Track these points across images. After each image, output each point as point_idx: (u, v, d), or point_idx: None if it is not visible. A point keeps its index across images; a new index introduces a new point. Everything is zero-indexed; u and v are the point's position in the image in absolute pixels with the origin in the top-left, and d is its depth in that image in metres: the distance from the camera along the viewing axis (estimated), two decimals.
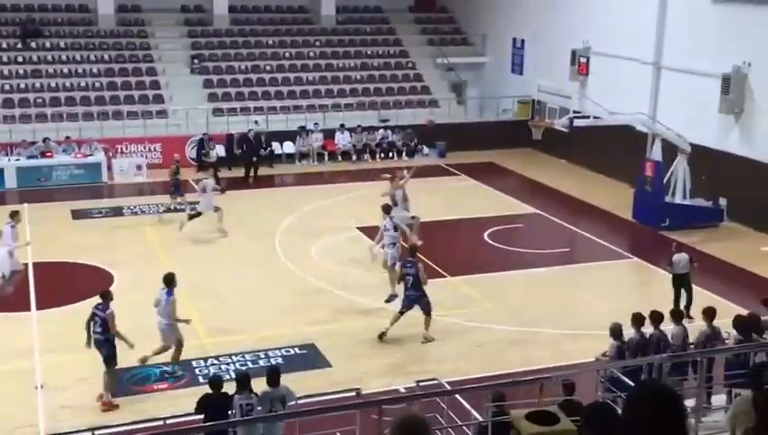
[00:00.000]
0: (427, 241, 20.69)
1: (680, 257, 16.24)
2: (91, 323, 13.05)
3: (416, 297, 15.04)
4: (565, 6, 28.95)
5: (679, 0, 24.11)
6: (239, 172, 26.90)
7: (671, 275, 16.35)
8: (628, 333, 12.09)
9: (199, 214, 20.69)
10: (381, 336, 15.06)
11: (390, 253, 16.86)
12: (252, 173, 26.87)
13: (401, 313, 15.12)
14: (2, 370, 14.06)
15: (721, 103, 22.21)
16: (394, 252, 16.81)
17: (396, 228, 16.92)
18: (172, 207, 22.25)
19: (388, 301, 16.14)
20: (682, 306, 15.36)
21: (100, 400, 12.95)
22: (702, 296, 16.63)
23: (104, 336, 12.96)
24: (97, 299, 13.25)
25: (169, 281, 13.68)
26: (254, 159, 27.02)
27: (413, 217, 18.79)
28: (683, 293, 16.12)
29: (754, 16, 21.58)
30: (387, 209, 17.26)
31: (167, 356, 13.88)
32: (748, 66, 21.73)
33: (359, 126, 29.72)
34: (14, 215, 18.18)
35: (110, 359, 13.00)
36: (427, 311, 15.09)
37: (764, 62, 21.35)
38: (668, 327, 12.24)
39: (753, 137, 21.97)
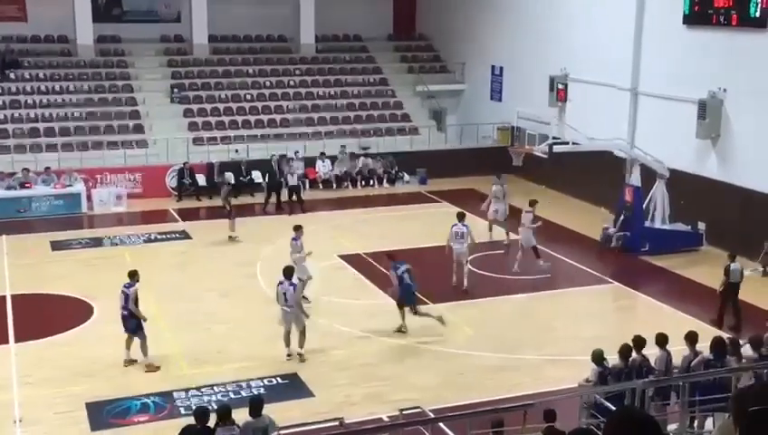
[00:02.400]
0: None
1: (736, 267, 16.98)
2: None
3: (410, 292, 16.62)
4: (542, 34, 29.26)
5: (654, 27, 24.45)
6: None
7: (723, 286, 16.94)
8: (612, 358, 12.10)
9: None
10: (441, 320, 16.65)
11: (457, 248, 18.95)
12: (278, 199, 26.51)
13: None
14: None
15: (698, 128, 22.45)
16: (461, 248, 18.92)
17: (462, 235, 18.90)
18: (152, 238, 22.15)
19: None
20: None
21: (149, 368, 14.78)
22: (683, 320, 16.73)
23: (128, 311, 14.86)
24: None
25: (290, 273, 15.43)
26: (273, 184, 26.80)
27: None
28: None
29: (728, 43, 21.90)
30: (461, 216, 19.45)
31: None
32: (723, 92, 22.02)
33: (342, 147, 29.79)
34: (298, 229, 18.46)
35: (137, 329, 14.87)
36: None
37: (739, 88, 21.64)
38: (652, 352, 12.26)
39: (730, 161, 22.21)
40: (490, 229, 22.97)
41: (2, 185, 25.67)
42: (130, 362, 15.09)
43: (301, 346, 15.37)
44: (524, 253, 20.36)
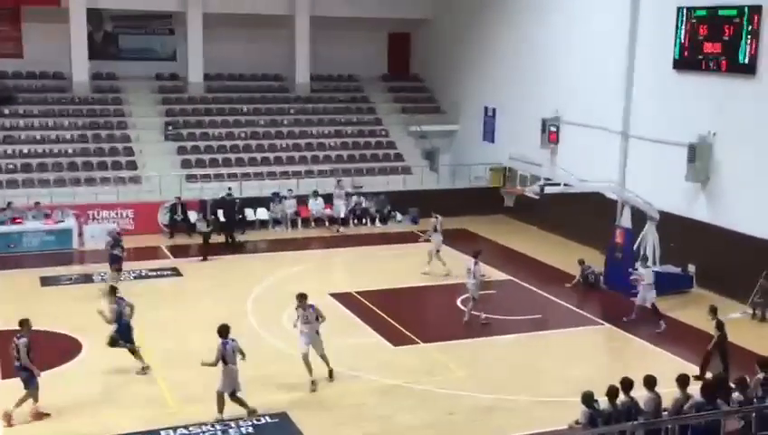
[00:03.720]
0: (400, 307, 20.71)
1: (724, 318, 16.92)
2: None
3: None
4: (535, 76, 29.56)
5: (645, 71, 24.73)
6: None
7: (719, 340, 16.38)
8: (601, 400, 12.06)
9: None
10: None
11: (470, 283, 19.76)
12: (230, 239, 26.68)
13: None
14: None
15: (688, 171, 22.64)
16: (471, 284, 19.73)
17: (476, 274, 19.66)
18: (143, 274, 22.09)
19: None
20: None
21: (6, 418, 14.02)
22: (673, 363, 16.72)
23: (17, 363, 14.22)
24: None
25: (226, 331, 14.45)
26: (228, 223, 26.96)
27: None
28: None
29: (718, 88, 22.16)
30: (476, 254, 20.19)
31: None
32: (713, 135, 22.23)
33: (339, 181, 29.94)
34: (302, 298, 15.99)
35: (25, 383, 14.24)
36: None
37: (729, 132, 21.86)
38: (641, 394, 12.22)
39: (719, 204, 22.34)
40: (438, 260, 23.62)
41: None
42: (39, 414, 14.34)
43: (244, 405, 14.50)
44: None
